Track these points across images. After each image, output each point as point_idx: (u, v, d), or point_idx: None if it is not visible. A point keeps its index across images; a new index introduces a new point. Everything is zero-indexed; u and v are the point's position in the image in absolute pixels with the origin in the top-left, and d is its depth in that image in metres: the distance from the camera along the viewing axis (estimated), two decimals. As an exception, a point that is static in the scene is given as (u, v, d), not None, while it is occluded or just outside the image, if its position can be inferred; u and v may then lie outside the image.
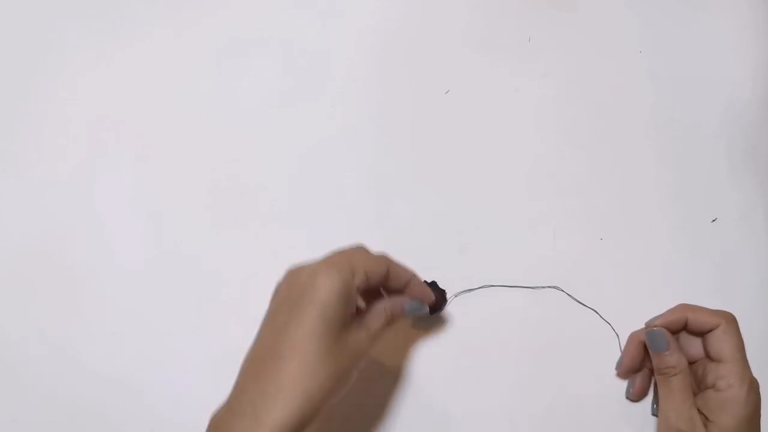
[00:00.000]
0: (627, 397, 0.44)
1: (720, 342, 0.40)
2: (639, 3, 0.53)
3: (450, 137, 0.51)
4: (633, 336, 0.44)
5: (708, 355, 0.41)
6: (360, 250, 0.39)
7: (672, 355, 0.41)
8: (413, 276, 0.42)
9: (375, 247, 0.48)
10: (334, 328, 0.35)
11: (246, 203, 0.51)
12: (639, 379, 0.44)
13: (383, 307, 0.40)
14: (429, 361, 0.46)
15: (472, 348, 0.46)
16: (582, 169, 0.49)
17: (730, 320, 0.40)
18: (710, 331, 0.41)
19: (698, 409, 0.40)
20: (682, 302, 0.43)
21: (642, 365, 0.44)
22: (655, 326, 0.42)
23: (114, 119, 0.53)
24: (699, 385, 0.42)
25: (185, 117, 0.53)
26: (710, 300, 0.43)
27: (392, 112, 0.52)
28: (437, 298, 0.43)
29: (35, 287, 0.49)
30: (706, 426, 0.39)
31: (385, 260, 0.39)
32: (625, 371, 0.44)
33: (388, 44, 0.54)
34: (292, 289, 0.37)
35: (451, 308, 0.46)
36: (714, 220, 0.48)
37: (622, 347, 0.45)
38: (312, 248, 0.49)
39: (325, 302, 0.35)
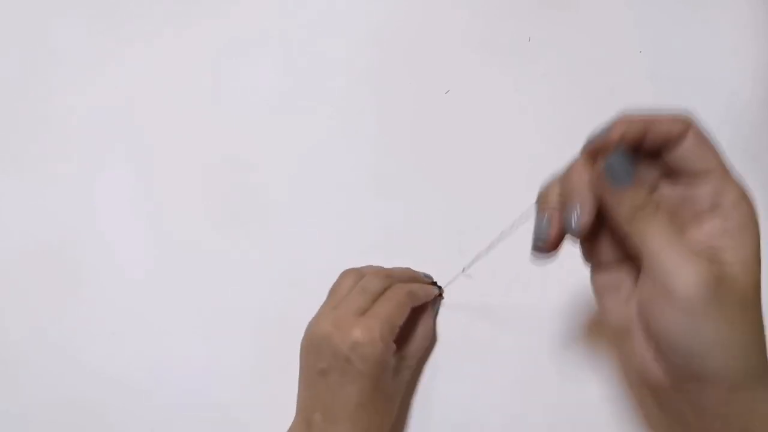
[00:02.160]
0: (574, 231, 0.29)
1: (697, 151, 0.29)
2: (639, 3, 0.53)
3: (450, 137, 0.51)
4: (575, 177, 0.30)
5: (678, 176, 0.30)
6: (387, 301, 0.40)
7: (642, 185, 0.29)
8: (414, 276, 0.44)
9: (375, 246, 0.48)
10: (386, 383, 0.39)
11: (246, 203, 0.51)
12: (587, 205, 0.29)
13: (420, 332, 0.43)
14: (430, 363, 0.46)
15: (470, 345, 0.46)
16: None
17: (695, 122, 0.29)
18: (674, 142, 0.29)
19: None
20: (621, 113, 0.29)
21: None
22: (612, 151, 0.28)
23: (114, 119, 0.53)
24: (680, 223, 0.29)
25: (185, 117, 0.53)
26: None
27: (392, 112, 0.52)
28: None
29: (35, 287, 0.50)
30: (727, 283, 0.27)
31: (407, 300, 0.41)
32: (582, 230, 0.29)
33: (388, 44, 0.54)
34: (334, 355, 0.38)
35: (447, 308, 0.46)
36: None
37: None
38: (312, 248, 0.49)
39: (374, 372, 0.38)
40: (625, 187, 0.28)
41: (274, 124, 0.52)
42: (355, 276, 0.42)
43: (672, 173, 0.30)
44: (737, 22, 0.52)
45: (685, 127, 0.29)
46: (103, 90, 0.54)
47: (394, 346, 0.39)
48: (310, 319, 0.42)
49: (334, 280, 0.44)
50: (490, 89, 0.52)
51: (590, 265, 0.32)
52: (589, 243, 0.32)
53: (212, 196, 0.51)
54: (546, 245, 0.31)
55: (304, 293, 0.47)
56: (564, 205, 0.30)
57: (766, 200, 0.48)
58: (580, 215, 0.29)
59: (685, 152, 0.29)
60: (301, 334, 0.44)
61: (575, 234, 0.30)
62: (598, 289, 0.32)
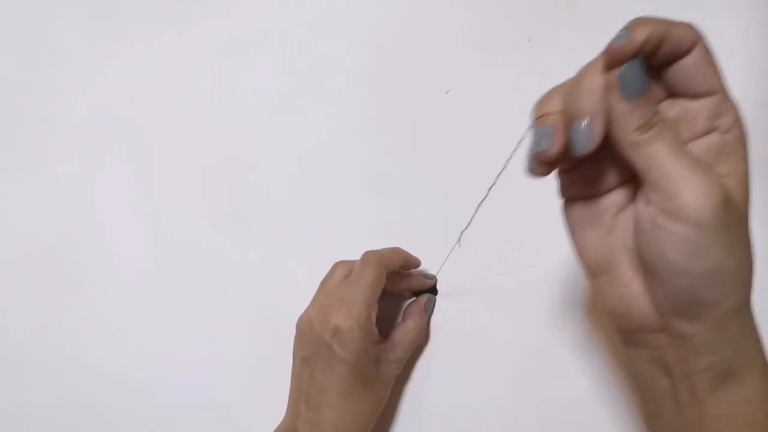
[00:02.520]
0: (584, 144, 0.26)
1: (703, 68, 0.26)
2: (639, 3, 0.53)
3: (450, 137, 0.51)
4: (586, 86, 0.26)
5: (680, 92, 0.27)
6: (362, 285, 0.40)
7: (652, 99, 0.27)
8: (406, 259, 0.45)
9: (375, 246, 0.48)
10: (369, 371, 0.39)
11: (246, 203, 0.51)
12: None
13: (410, 325, 0.43)
14: (426, 360, 0.46)
15: (469, 344, 0.46)
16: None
17: (702, 35, 0.27)
18: (681, 55, 0.27)
19: None
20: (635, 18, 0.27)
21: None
22: (632, 58, 0.26)
23: (114, 119, 0.53)
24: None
25: (185, 117, 0.53)
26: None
27: (392, 112, 0.52)
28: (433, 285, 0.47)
29: (35, 287, 0.50)
30: (734, 207, 0.26)
31: (381, 276, 0.41)
32: (594, 143, 0.26)
33: (388, 44, 0.54)
34: (317, 342, 0.39)
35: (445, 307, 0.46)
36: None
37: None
38: (312, 248, 0.49)
39: (354, 358, 0.38)
40: (637, 100, 0.25)
41: (274, 124, 0.52)
42: (345, 267, 0.42)
43: (671, 90, 0.28)
44: (737, 23, 0.52)
45: (695, 39, 0.26)
46: (103, 90, 0.54)
47: (375, 330, 0.39)
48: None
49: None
50: (490, 89, 0.52)
51: (567, 198, 0.30)
52: (569, 173, 0.29)
53: (212, 196, 0.51)
54: (549, 157, 0.27)
55: (304, 293, 0.47)
56: (570, 116, 0.26)
57: (766, 200, 0.48)
58: (593, 126, 0.26)
59: (690, 68, 0.26)
60: (301, 334, 0.44)
61: (584, 149, 0.26)
62: (577, 223, 0.30)
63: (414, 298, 0.46)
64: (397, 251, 0.44)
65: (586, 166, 0.29)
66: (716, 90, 0.27)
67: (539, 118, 0.28)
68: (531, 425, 0.44)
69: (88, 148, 0.53)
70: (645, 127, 0.26)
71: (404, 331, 0.43)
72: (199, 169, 0.52)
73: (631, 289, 0.28)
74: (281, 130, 0.52)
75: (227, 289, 0.49)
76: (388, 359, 0.41)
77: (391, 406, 0.45)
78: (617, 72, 0.25)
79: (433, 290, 0.47)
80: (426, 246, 0.48)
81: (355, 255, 0.48)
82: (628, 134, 0.26)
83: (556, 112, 0.27)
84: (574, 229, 0.30)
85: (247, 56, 0.54)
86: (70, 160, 0.52)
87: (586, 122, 0.26)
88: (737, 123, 0.27)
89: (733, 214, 0.25)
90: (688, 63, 0.26)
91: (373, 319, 0.39)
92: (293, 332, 0.46)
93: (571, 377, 0.45)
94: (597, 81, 0.26)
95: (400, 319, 0.45)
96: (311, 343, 0.39)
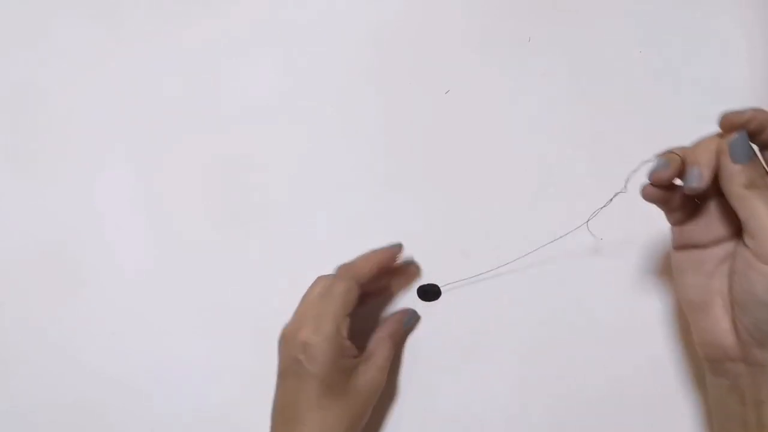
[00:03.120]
0: (694, 185, 0.33)
1: None
2: (639, 3, 0.53)
3: (450, 137, 0.51)
4: (703, 146, 0.34)
5: None
6: (329, 297, 0.40)
7: (759, 161, 0.33)
8: (380, 258, 0.44)
9: (375, 246, 0.48)
10: (340, 384, 0.39)
11: (246, 203, 0.51)
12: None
13: (384, 335, 0.43)
14: (427, 359, 0.46)
15: (470, 344, 0.46)
16: (582, 169, 0.49)
17: None
18: None
19: None
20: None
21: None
22: (739, 130, 0.32)
23: (114, 119, 0.53)
24: None
25: (186, 117, 0.53)
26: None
27: (392, 112, 0.52)
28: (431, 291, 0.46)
29: (35, 287, 0.50)
30: None
31: (352, 287, 0.41)
32: (702, 185, 0.33)
33: (388, 44, 0.54)
34: (288, 357, 0.40)
35: (448, 307, 0.46)
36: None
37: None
38: (312, 249, 0.49)
39: (322, 371, 0.38)
40: (743, 164, 0.32)
41: (274, 124, 0.52)
42: (325, 282, 0.42)
43: None
44: (737, 22, 0.52)
45: None
46: (103, 90, 0.54)
47: (346, 343, 0.39)
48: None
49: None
50: (490, 89, 0.52)
51: (678, 246, 0.37)
52: (683, 226, 0.36)
53: (212, 196, 0.51)
54: (660, 178, 0.34)
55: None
56: (688, 162, 0.34)
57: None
58: (703, 172, 0.33)
59: None
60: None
61: (694, 186, 0.33)
62: (683, 267, 0.36)
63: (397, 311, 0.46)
64: (367, 258, 0.44)
65: (698, 222, 0.36)
66: None
67: (664, 154, 0.35)
68: (532, 425, 0.44)
69: (88, 148, 0.53)
70: (750, 185, 0.32)
71: (377, 341, 0.43)
72: (200, 168, 0.52)
73: (721, 324, 0.34)
74: (281, 130, 0.52)
75: (227, 289, 0.49)
76: (365, 370, 0.41)
77: (392, 407, 0.45)
78: (729, 138, 0.33)
79: (429, 293, 0.46)
80: (427, 246, 0.48)
81: (355, 255, 0.48)
82: (736, 188, 0.32)
83: (678, 156, 0.34)
84: (679, 271, 0.37)
85: (247, 56, 0.54)
86: (70, 160, 0.52)
87: (698, 169, 0.33)
88: None
89: None
90: None
91: (344, 332, 0.39)
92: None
93: (571, 377, 0.45)
94: (712, 144, 0.33)
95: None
96: (284, 358, 0.40)
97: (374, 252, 0.45)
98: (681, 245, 0.36)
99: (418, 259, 0.48)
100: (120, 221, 0.50)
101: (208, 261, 0.49)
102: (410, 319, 0.46)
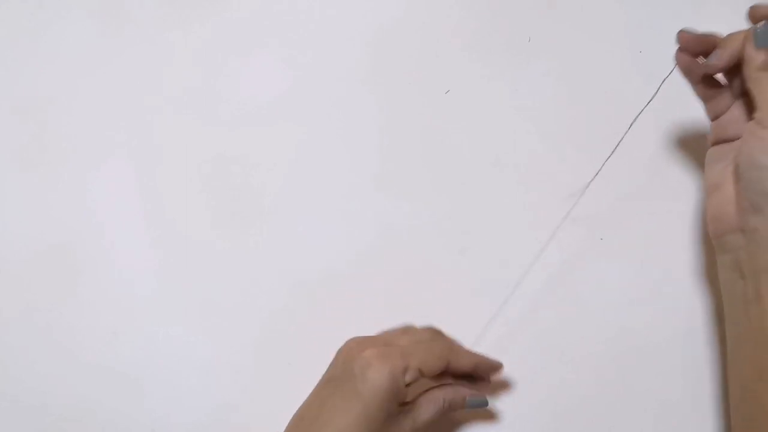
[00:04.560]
0: (711, 61, 0.39)
1: None
2: (639, 3, 0.53)
3: (450, 137, 0.51)
4: (731, 35, 0.39)
5: None
6: (422, 345, 0.39)
7: None
8: (479, 362, 0.41)
9: (375, 246, 0.48)
10: (377, 421, 0.37)
11: (246, 203, 0.51)
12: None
13: (441, 396, 0.40)
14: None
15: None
16: (582, 169, 0.49)
17: None
18: None
19: None
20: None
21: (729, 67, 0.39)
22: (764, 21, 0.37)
23: (114, 119, 0.53)
24: None
25: (186, 117, 0.53)
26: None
27: (392, 112, 0.52)
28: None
29: (36, 287, 0.50)
30: None
31: (445, 356, 0.39)
32: (721, 67, 0.39)
33: (388, 44, 0.54)
34: (345, 367, 0.38)
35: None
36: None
37: None
38: (312, 249, 0.49)
39: (370, 399, 0.36)
40: (761, 49, 0.36)
41: (275, 125, 0.52)
42: (418, 330, 0.42)
43: None
44: (737, 23, 0.52)
45: None
46: (103, 90, 0.54)
47: (404, 389, 0.38)
48: (311, 319, 0.42)
49: (335, 280, 0.44)
50: (490, 89, 0.52)
51: (714, 142, 0.41)
52: (718, 122, 0.41)
53: (212, 196, 0.51)
54: (684, 38, 0.40)
55: (305, 293, 0.47)
56: (720, 45, 0.39)
57: None
58: (722, 54, 0.38)
59: None
60: (302, 335, 0.44)
61: (713, 65, 0.39)
62: (713, 158, 0.41)
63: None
64: (470, 355, 0.42)
65: (730, 119, 0.40)
66: None
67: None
68: (533, 425, 0.44)
69: (88, 148, 0.53)
70: (764, 67, 0.36)
71: (430, 399, 0.40)
72: (200, 168, 0.52)
73: (727, 197, 0.38)
74: (281, 130, 0.52)
75: (228, 289, 0.49)
76: (405, 421, 0.39)
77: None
78: (753, 28, 0.37)
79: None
80: (427, 246, 0.48)
81: (356, 255, 0.48)
82: (751, 70, 0.37)
83: (708, 35, 0.40)
84: (710, 163, 0.41)
85: (248, 57, 0.54)
86: (70, 160, 0.52)
87: (720, 51, 0.38)
88: None
89: None
90: None
91: (408, 379, 0.37)
92: (294, 333, 0.46)
93: (573, 376, 0.45)
94: (740, 35, 0.38)
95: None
96: (342, 366, 0.38)
97: (480, 356, 0.42)
98: (715, 140, 0.41)
99: (418, 258, 0.48)
100: (120, 221, 0.50)
101: (207, 261, 0.49)
102: (475, 402, 0.41)
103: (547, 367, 0.45)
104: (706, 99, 0.41)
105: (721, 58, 0.38)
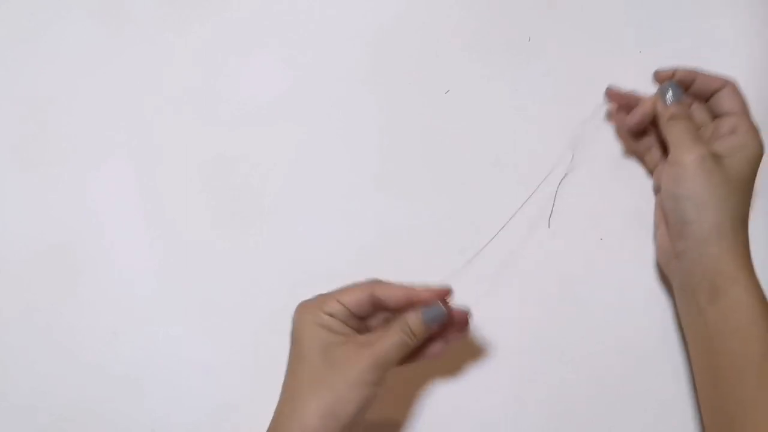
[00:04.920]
0: (629, 120, 0.47)
1: (729, 98, 0.44)
2: (639, 3, 0.53)
3: (450, 137, 0.51)
4: (647, 99, 0.46)
5: (715, 113, 0.45)
6: (340, 290, 0.40)
7: (683, 103, 0.44)
8: (413, 290, 0.40)
9: (375, 246, 0.48)
10: (312, 357, 0.37)
11: (247, 203, 0.51)
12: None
13: (397, 326, 0.39)
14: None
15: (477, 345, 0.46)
16: (581, 169, 0.49)
17: (735, 83, 0.44)
18: (715, 92, 0.45)
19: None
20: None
21: (647, 123, 0.46)
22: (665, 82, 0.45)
23: (114, 119, 0.53)
24: (709, 139, 0.44)
25: (186, 117, 0.53)
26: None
27: (392, 112, 0.52)
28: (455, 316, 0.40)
29: (36, 287, 0.50)
30: (718, 166, 0.41)
31: (367, 287, 0.39)
32: (633, 124, 0.47)
33: (388, 44, 0.54)
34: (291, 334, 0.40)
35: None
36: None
37: None
38: (312, 248, 0.49)
39: (297, 340, 0.38)
40: (671, 104, 0.44)
41: (274, 124, 0.52)
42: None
43: (712, 111, 0.45)
44: (737, 22, 0.52)
45: (724, 83, 0.45)
46: (103, 90, 0.54)
47: (330, 320, 0.38)
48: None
49: (335, 280, 0.44)
50: (490, 89, 0.52)
51: (655, 189, 0.48)
52: (655, 174, 0.48)
53: (212, 196, 0.51)
54: (612, 93, 0.48)
55: (305, 293, 0.47)
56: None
57: (765, 199, 0.48)
58: (636, 113, 0.46)
59: (720, 99, 0.44)
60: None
61: (629, 122, 0.47)
62: (655, 205, 0.47)
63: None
64: (405, 290, 0.40)
65: (660, 168, 0.47)
66: (738, 111, 0.44)
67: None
68: (533, 426, 0.44)
69: (88, 148, 0.53)
70: (672, 117, 0.44)
71: (386, 330, 0.39)
72: (200, 168, 0.52)
73: (663, 230, 0.44)
74: (281, 130, 0.52)
75: (228, 289, 0.49)
76: (365, 355, 0.37)
77: (391, 411, 0.45)
78: (660, 88, 0.46)
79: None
80: (425, 247, 0.48)
81: (356, 255, 0.48)
82: (663, 122, 0.44)
83: (631, 95, 0.48)
84: (656, 206, 0.47)
85: (248, 57, 0.54)
86: (70, 160, 0.52)
87: (637, 111, 0.47)
88: (752, 129, 0.43)
89: (716, 169, 0.41)
90: (720, 96, 0.45)
91: (328, 309, 0.38)
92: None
93: (573, 378, 0.45)
94: (649, 99, 0.46)
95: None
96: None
97: (415, 289, 0.40)
98: (656, 188, 0.47)
99: (418, 257, 0.48)
100: (120, 221, 0.50)
101: (207, 260, 0.49)
102: (434, 315, 0.39)
103: (547, 367, 0.45)
104: (640, 155, 0.49)
105: (634, 113, 0.46)
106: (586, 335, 0.46)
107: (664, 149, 0.46)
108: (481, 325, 0.46)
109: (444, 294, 0.40)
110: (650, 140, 0.47)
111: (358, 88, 0.53)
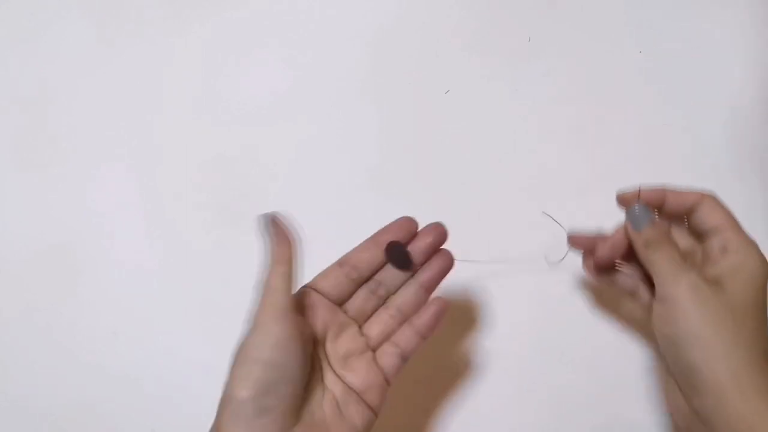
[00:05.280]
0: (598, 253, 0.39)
1: (711, 213, 0.36)
2: (639, 3, 0.53)
3: (450, 137, 0.51)
4: (615, 232, 0.39)
5: (699, 233, 0.37)
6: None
7: (658, 225, 0.37)
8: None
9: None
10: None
11: (246, 203, 0.51)
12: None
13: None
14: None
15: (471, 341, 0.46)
16: (581, 169, 0.49)
17: (713, 195, 0.37)
18: (692, 209, 0.37)
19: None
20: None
21: (621, 256, 0.39)
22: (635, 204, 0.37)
23: (114, 119, 0.53)
24: (700, 265, 0.36)
25: (186, 117, 0.53)
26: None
27: (392, 112, 0.52)
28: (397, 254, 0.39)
29: (36, 286, 0.50)
30: (716, 295, 0.33)
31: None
32: (604, 259, 0.39)
33: (389, 44, 0.54)
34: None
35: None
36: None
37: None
38: (312, 248, 0.49)
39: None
40: (638, 230, 0.37)
41: (274, 124, 0.52)
42: None
43: (696, 232, 0.38)
44: (737, 23, 0.52)
45: (701, 196, 0.37)
46: (103, 90, 0.54)
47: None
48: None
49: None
50: (490, 89, 0.52)
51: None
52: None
53: (213, 196, 0.51)
54: (575, 240, 0.41)
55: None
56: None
57: (766, 198, 0.48)
58: (605, 246, 0.39)
59: (702, 215, 0.37)
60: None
61: (598, 256, 0.39)
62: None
63: None
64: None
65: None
66: (725, 226, 0.36)
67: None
68: (533, 427, 0.44)
69: (88, 148, 0.53)
70: (647, 245, 0.36)
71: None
72: (200, 168, 0.52)
73: (672, 385, 0.35)
74: (281, 130, 0.52)
75: (228, 288, 0.49)
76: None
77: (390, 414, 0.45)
78: (627, 214, 0.38)
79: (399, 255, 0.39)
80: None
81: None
82: (640, 251, 0.37)
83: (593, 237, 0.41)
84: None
85: (248, 57, 0.54)
86: (71, 160, 0.52)
87: (605, 244, 0.39)
88: (747, 244, 0.35)
89: (715, 298, 0.33)
90: (698, 213, 0.37)
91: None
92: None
93: (573, 376, 0.45)
94: (621, 227, 0.39)
95: None
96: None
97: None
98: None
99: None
100: (120, 220, 0.50)
101: (208, 260, 0.49)
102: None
103: (548, 367, 0.45)
104: (625, 299, 0.40)
105: (602, 247, 0.39)
106: (587, 336, 0.46)
107: (652, 286, 0.37)
108: (482, 325, 0.46)
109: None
110: (633, 281, 0.40)
111: (358, 88, 0.53)
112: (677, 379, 0.34)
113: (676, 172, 0.49)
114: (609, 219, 0.48)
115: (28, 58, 0.55)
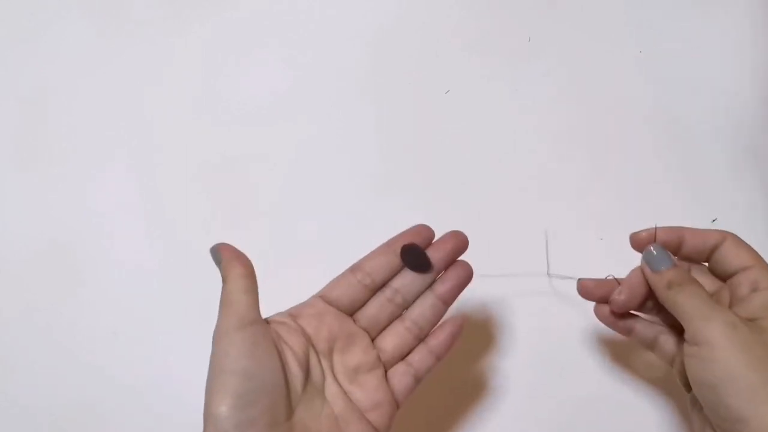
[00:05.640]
0: (614, 298, 0.37)
1: (736, 251, 0.35)
2: (639, 3, 0.53)
3: (450, 137, 0.51)
4: (632, 273, 0.37)
5: (723, 275, 0.35)
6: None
7: (679, 266, 0.35)
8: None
9: (373, 246, 0.48)
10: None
11: (246, 203, 0.51)
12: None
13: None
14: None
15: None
16: (582, 169, 0.49)
17: (734, 234, 0.35)
18: (714, 250, 0.35)
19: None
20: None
21: (640, 301, 0.36)
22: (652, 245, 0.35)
23: (114, 119, 0.53)
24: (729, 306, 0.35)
25: (186, 117, 0.53)
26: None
27: (392, 112, 0.52)
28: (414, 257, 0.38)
29: (36, 287, 0.50)
30: (754, 334, 0.31)
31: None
32: (621, 306, 0.37)
33: (388, 44, 0.54)
34: None
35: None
36: (714, 221, 0.48)
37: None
38: (312, 248, 0.49)
39: None
40: (658, 271, 0.34)
41: (274, 124, 0.52)
42: None
43: (717, 273, 0.36)
44: (737, 22, 0.52)
45: (723, 235, 0.35)
46: (103, 90, 0.54)
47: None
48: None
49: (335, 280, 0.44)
50: (490, 89, 0.52)
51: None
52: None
53: (213, 196, 0.51)
54: (585, 289, 0.38)
55: (305, 293, 0.47)
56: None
57: (766, 198, 0.48)
58: (623, 290, 0.36)
59: (725, 255, 0.35)
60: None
61: (616, 302, 0.37)
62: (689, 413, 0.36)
63: None
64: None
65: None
66: (752, 264, 0.34)
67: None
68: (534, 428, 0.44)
69: (88, 148, 0.53)
70: (669, 286, 0.34)
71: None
72: (200, 169, 0.52)
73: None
74: (281, 130, 0.52)
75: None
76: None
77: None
78: (643, 255, 0.36)
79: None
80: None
81: (355, 255, 0.48)
82: (662, 294, 0.34)
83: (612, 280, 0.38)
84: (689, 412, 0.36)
85: (248, 57, 0.54)
86: (71, 160, 0.52)
87: (622, 289, 0.37)
88: None
89: (753, 337, 0.31)
90: (721, 253, 0.35)
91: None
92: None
93: (575, 389, 0.45)
94: (638, 267, 0.36)
95: None
96: None
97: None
98: (686, 386, 0.36)
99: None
100: (120, 221, 0.50)
101: (208, 260, 0.49)
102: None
103: (549, 379, 0.45)
104: (649, 349, 0.38)
105: (620, 291, 0.36)
106: (588, 342, 0.46)
107: (678, 332, 0.36)
108: (481, 325, 0.46)
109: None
110: (653, 329, 0.37)
111: (358, 88, 0.53)
112: (715, 423, 0.32)
113: (676, 172, 0.49)
114: (609, 219, 0.48)
115: (28, 58, 0.55)
